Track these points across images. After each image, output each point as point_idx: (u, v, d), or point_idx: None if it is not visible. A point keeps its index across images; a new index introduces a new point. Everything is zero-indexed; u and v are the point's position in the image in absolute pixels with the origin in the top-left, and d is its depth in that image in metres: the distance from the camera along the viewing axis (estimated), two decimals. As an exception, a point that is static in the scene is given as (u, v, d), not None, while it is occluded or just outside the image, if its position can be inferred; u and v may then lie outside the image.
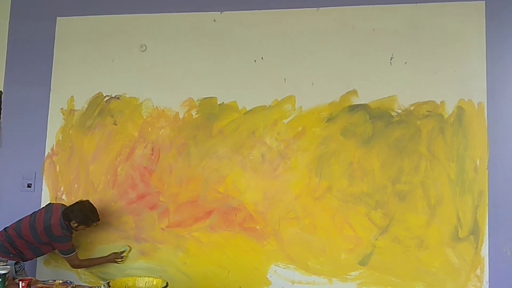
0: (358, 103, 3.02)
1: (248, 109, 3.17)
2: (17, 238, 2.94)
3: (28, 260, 3.03)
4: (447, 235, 2.83)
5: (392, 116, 2.97)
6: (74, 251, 3.00)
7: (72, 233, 3.00)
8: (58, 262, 3.32)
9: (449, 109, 2.90)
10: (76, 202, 3.04)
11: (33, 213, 3.08)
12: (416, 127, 2.93)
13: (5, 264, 2.59)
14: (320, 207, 3.00)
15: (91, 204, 3.04)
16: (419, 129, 2.92)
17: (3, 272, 2.40)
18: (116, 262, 3.16)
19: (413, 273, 2.85)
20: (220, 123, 3.19)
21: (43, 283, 2.57)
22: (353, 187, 2.97)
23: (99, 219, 3.04)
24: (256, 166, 3.11)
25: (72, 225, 2.94)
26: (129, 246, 3.21)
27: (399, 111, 2.96)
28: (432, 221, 2.85)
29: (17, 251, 2.94)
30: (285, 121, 3.11)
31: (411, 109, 2.95)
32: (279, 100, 3.13)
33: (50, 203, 3.23)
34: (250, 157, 3.12)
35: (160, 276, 2.70)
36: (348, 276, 2.92)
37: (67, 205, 3.06)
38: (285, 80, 3.14)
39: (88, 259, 3.15)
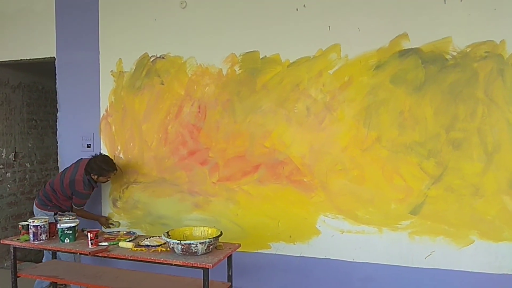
0: (409, 47, 2.85)
1: (291, 61, 3.10)
2: (51, 192, 3.31)
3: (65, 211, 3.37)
4: (504, 183, 2.70)
5: (446, 59, 2.78)
6: (84, 206, 3.36)
7: (92, 190, 3.30)
8: (120, 216, 3.60)
9: (509, 49, 2.65)
10: (92, 157, 3.29)
11: (65, 168, 3.42)
12: (472, 70, 2.73)
13: (74, 217, 2.85)
14: (368, 158, 2.95)
15: (105, 156, 3.33)
16: (476, 72, 2.72)
17: (73, 224, 2.64)
18: (102, 225, 3.52)
19: (468, 222, 2.78)
20: (264, 77, 3.16)
21: (108, 234, 2.80)
22: (404, 136, 2.88)
23: (115, 169, 3.29)
24: (302, 120, 3.08)
25: (94, 178, 3.23)
26: (119, 222, 3.57)
27: (454, 53, 2.76)
28: (488, 168, 2.72)
29: (52, 203, 3.30)
30: (331, 71, 3.01)
31: (468, 50, 2.73)
32: (323, 49, 3.03)
33: (80, 158, 3.47)
34: (295, 111, 3.10)
35: (214, 226, 2.85)
36: (398, 226, 2.92)
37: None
38: (329, 28, 3.01)
39: (87, 212, 3.45)
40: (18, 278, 2.71)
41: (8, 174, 4.43)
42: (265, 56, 3.15)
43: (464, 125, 2.76)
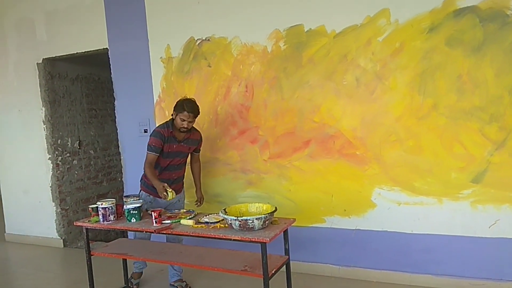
0: (465, 5, 2.66)
1: (337, 31, 3.01)
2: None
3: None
4: None
5: (507, 15, 2.57)
6: (152, 151, 2.93)
7: (161, 145, 2.92)
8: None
9: None
10: None
11: None
12: (539, 24, 2.50)
13: (138, 198, 3.02)
14: (425, 127, 2.83)
15: (193, 99, 2.97)
16: (544, 25, 2.49)
17: (138, 205, 2.81)
18: (159, 191, 2.87)
19: (537, 189, 2.61)
20: (309, 51, 3.10)
21: (170, 213, 2.95)
22: (463, 101, 2.72)
23: (191, 111, 2.89)
24: (351, 91, 3.01)
25: (173, 117, 2.96)
26: (173, 192, 2.86)
27: (517, 8, 2.54)
28: (561, 131, 2.52)
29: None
30: (380, 38, 2.89)
31: (533, 3, 2.50)
32: (371, 16, 2.91)
33: None
34: (344, 83, 3.03)
35: (268, 202, 2.90)
36: (459, 195, 2.80)
37: None
38: (376, -7, 2.88)
39: (154, 174, 2.93)
40: (91, 256, 2.95)
41: (75, 162, 4.77)
42: (310, 28, 3.09)
43: (531, 85, 2.56)
